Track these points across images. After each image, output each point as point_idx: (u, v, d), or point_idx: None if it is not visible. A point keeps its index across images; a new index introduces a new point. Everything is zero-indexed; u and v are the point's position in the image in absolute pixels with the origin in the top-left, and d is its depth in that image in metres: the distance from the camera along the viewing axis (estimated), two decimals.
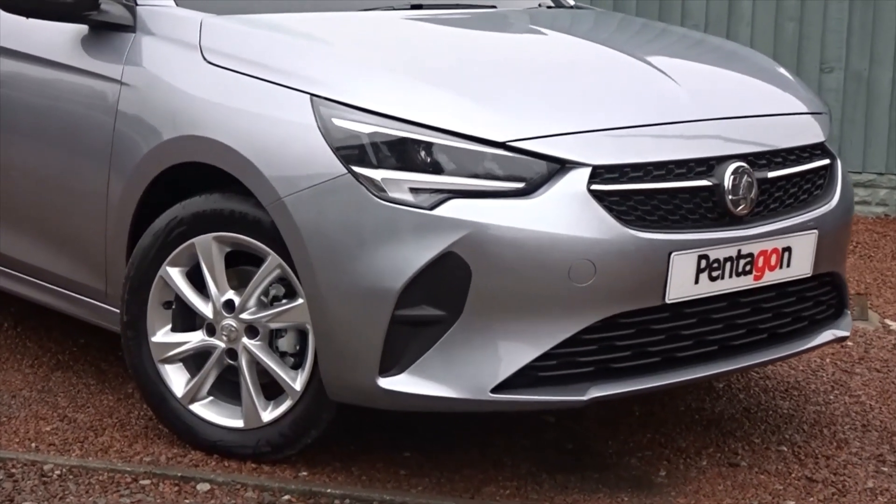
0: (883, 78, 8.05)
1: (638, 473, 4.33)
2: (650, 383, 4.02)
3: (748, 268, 4.13)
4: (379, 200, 3.83)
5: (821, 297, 4.48)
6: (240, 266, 4.25)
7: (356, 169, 3.86)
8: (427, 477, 4.23)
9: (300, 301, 4.05)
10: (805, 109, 4.55)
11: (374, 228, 3.84)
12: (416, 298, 3.83)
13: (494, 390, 3.86)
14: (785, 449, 4.56)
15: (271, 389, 4.23)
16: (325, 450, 4.31)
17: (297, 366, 4.16)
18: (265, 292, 4.15)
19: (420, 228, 3.80)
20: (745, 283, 4.15)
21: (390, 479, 4.20)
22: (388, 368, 3.89)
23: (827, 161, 4.48)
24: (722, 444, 4.57)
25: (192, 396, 4.29)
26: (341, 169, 3.87)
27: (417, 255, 3.80)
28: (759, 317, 4.28)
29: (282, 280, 4.13)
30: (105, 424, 4.55)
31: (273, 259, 4.07)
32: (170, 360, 4.31)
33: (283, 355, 4.19)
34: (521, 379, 3.89)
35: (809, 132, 4.48)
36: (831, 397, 5.08)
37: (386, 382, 3.89)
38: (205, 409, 4.29)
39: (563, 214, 3.84)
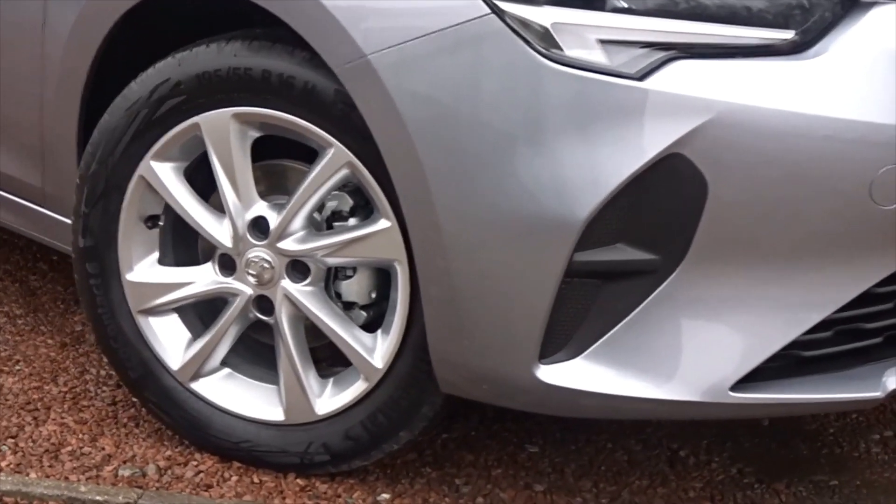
0: None
1: None
2: None
3: None
4: (547, 63, 2.18)
5: None
6: (270, 161, 2.58)
7: (506, 6, 2.18)
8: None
9: (385, 224, 2.40)
10: None
11: (537, 113, 2.18)
12: (608, 234, 2.21)
13: (737, 387, 2.26)
14: None
15: (326, 358, 2.61)
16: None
17: (372, 325, 2.53)
18: (319, 206, 2.49)
19: (621, 113, 2.16)
20: None
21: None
22: (552, 350, 2.27)
23: None
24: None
25: (197, 369, 2.64)
26: (480, 6, 2.19)
27: (617, 160, 2.17)
28: None
29: (344, 188, 2.48)
30: (46, 398, 2.89)
31: (338, 153, 2.40)
32: (156, 311, 2.65)
33: (347, 307, 2.55)
34: (775, 365, 2.30)
35: None
36: None
37: (548, 373, 2.28)
38: (218, 390, 2.67)
39: (863, 86, 2.21)
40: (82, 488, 2.51)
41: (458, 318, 2.31)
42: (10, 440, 2.71)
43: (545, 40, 2.17)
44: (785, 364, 2.32)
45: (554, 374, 2.28)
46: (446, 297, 2.30)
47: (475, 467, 2.72)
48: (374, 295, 2.55)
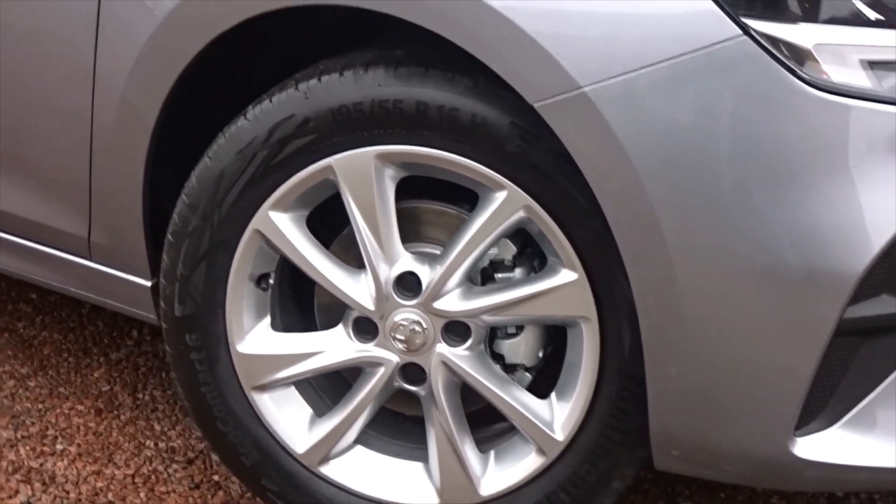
0: None
1: None
2: None
3: None
4: (810, 90, 1.85)
5: None
6: (408, 202, 2.20)
7: (759, 25, 1.85)
8: None
9: (570, 276, 2.05)
10: None
11: (802, 149, 1.86)
12: (874, 285, 1.92)
13: None
14: None
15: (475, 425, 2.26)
16: None
17: (540, 389, 2.19)
18: (477, 258, 2.12)
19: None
20: None
21: None
22: (806, 420, 1.97)
23: None
24: None
25: (327, 450, 2.25)
26: (729, 27, 1.85)
27: (893, 202, 1.85)
28: None
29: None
30: (115, 486, 2.47)
31: (513, 196, 2.05)
32: (273, 386, 2.25)
33: (508, 369, 2.20)
34: None
35: None
36: None
37: (805, 446, 1.97)
38: (353, 473, 2.30)
39: None
40: None
41: (693, 388, 1.98)
42: None
43: (806, 64, 1.85)
44: None
45: (811, 447, 1.97)
46: (680, 363, 1.97)
47: None
48: (540, 354, 2.20)
